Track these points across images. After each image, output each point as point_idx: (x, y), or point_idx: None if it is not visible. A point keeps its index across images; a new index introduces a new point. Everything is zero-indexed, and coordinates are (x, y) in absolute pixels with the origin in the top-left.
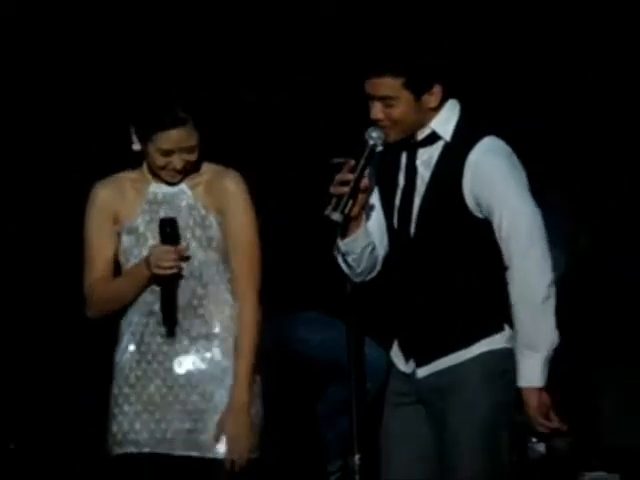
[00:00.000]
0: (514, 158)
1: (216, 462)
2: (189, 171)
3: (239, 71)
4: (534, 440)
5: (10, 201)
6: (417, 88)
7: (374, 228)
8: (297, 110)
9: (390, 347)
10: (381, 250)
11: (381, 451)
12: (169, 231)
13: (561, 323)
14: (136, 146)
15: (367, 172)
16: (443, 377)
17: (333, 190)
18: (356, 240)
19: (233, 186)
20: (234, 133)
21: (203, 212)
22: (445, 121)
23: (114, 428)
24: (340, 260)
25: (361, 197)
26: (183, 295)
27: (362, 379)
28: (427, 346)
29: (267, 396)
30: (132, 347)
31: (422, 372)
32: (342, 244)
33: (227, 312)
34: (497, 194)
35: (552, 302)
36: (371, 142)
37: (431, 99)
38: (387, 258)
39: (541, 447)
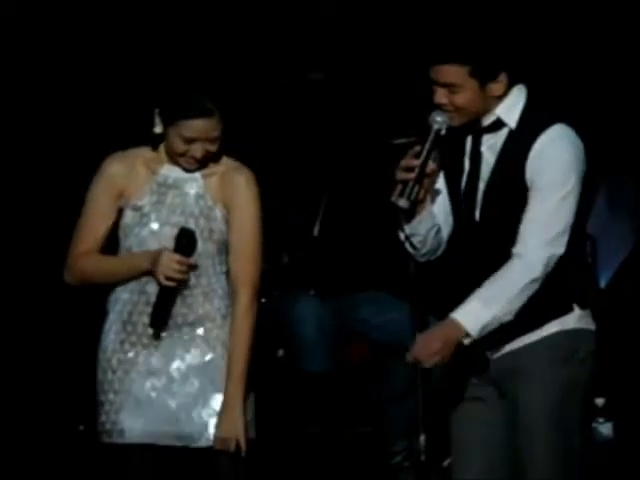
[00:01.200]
0: (579, 149)
1: (201, 451)
2: (207, 161)
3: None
4: (601, 420)
5: (10, 200)
6: (483, 76)
7: (439, 210)
8: (355, 92)
9: None
10: (446, 231)
11: (451, 431)
12: (185, 242)
13: (631, 300)
14: (158, 129)
15: (433, 156)
16: (513, 359)
17: (399, 176)
18: (421, 222)
19: (243, 182)
20: (296, 113)
21: (210, 203)
22: (510, 108)
23: (102, 417)
24: (405, 241)
25: (427, 182)
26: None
27: None
28: (496, 330)
29: (332, 375)
30: (117, 326)
31: (494, 355)
32: (407, 227)
33: (215, 304)
34: (544, 182)
35: (524, 297)
36: (436, 126)
37: (497, 87)
38: (452, 240)
39: (608, 427)
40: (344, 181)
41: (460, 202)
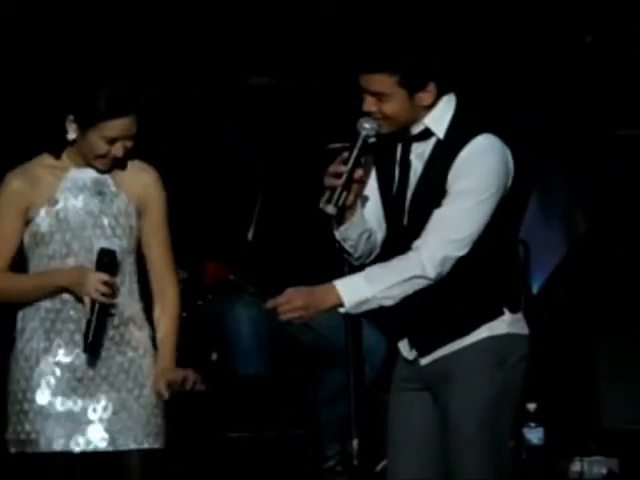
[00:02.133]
0: (504, 159)
1: (128, 454)
2: (124, 160)
3: (240, 56)
4: (532, 425)
5: None
6: (411, 86)
7: (371, 215)
8: (295, 97)
9: (390, 334)
10: (379, 235)
11: (386, 435)
12: (107, 261)
13: (563, 305)
14: (72, 135)
15: (362, 162)
16: (445, 363)
17: (327, 182)
18: (351, 227)
19: (153, 180)
20: (238, 119)
21: (126, 200)
22: (438, 118)
23: (26, 426)
24: (338, 245)
25: (355, 187)
26: None
27: (360, 363)
28: (427, 335)
29: (266, 378)
30: (40, 333)
31: (424, 360)
32: (338, 232)
33: (137, 305)
34: (459, 186)
35: (408, 288)
36: (363, 132)
37: (425, 97)
38: (385, 244)
39: (539, 432)
40: (278, 185)
41: (391, 208)
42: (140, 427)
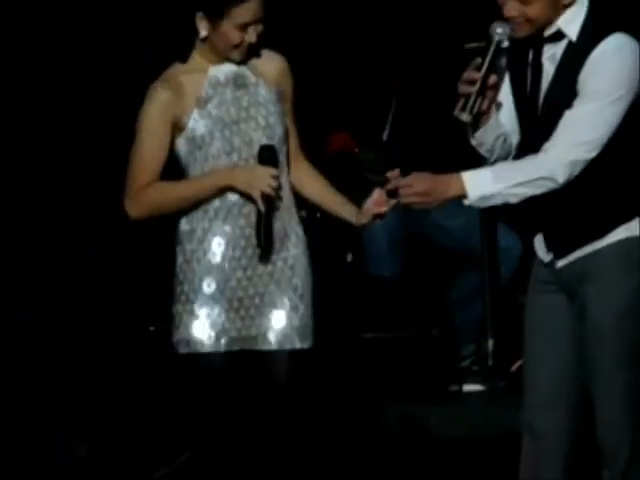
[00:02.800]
0: (636, 60)
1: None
2: (257, 47)
3: None
4: None
5: (10, 199)
6: None
7: (505, 118)
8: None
9: (527, 235)
10: (514, 139)
11: (523, 333)
12: (267, 157)
13: None
14: (203, 32)
15: (496, 67)
16: (582, 265)
17: (461, 89)
18: (486, 132)
19: (286, 66)
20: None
21: (267, 88)
22: (571, 19)
23: (199, 324)
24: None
25: (490, 94)
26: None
27: (495, 265)
28: (564, 237)
29: (400, 280)
30: (213, 233)
31: (561, 262)
32: (474, 138)
33: (291, 198)
34: (589, 88)
35: (535, 189)
36: (497, 38)
37: None
38: (519, 147)
39: None
40: (414, 86)
41: (524, 111)
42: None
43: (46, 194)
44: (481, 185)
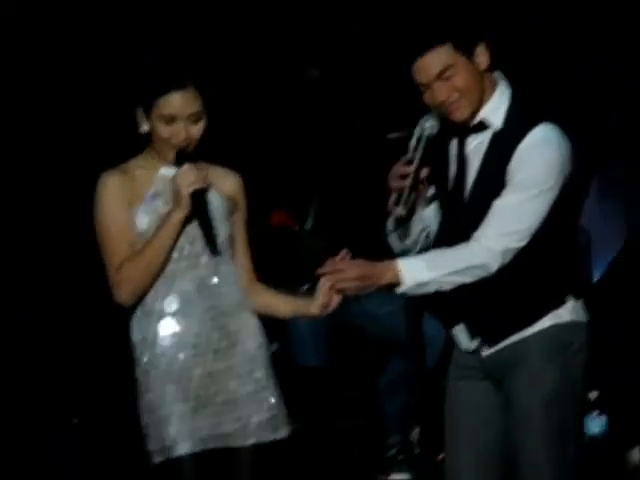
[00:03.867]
0: (563, 150)
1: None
2: (193, 155)
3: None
4: (594, 413)
5: (10, 200)
6: (466, 46)
7: (429, 213)
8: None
9: (449, 325)
10: (434, 230)
11: (445, 420)
12: (181, 159)
13: (625, 292)
14: (144, 127)
15: (427, 160)
16: (509, 352)
17: (393, 184)
18: (414, 224)
19: (241, 185)
20: (291, 109)
21: (217, 194)
22: (495, 109)
23: (170, 430)
24: (393, 240)
25: (421, 187)
26: (207, 272)
27: (422, 352)
28: (492, 326)
29: (326, 369)
30: (162, 337)
31: (487, 350)
32: (400, 229)
33: (240, 293)
34: (519, 178)
35: (468, 277)
36: (426, 132)
37: (482, 59)
38: (441, 239)
39: (601, 420)
40: (338, 176)
41: (448, 202)
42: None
43: (46, 194)
44: (416, 273)
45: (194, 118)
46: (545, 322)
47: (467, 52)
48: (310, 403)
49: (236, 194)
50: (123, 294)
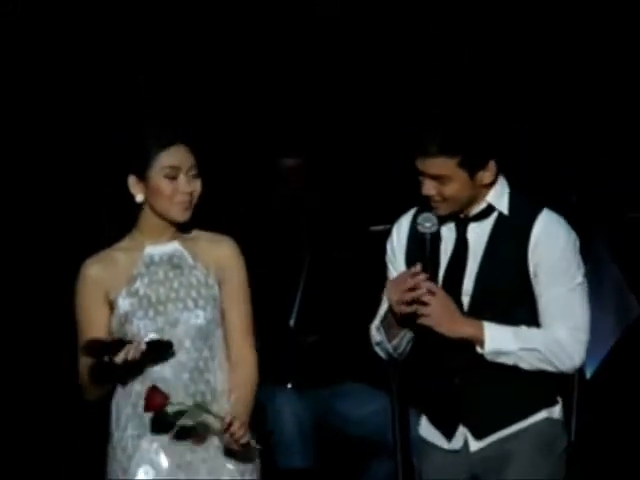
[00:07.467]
0: (572, 232)
1: None
2: (190, 224)
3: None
4: None
5: (10, 200)
6: (473, 167)
7: None
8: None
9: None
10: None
11: None
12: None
13: (617, 390)
14: (139, 197)
15: (435, 257)
16: (500, 445)
17: (402, 304)
18: (405, 337)
19: (231, 250)
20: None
21: (205, 271)
22: (499, 194)
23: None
24: (377, 341)
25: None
26: (189, 357)
27: (408, 453)
28: (486, 421)
29: (310, 471)
30: (135, 422)
31: (476, 445)
32: (393, 342)
33: (227, 379)
34: (555, 272)
35: (545, 364)
36: (428, 233)
37: (486, 175)
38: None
39: None
40: (321, 271)
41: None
42: None
43: (46, 194)
44: (501, 338)
45: (193, 172)
46: (538, 416)
47: (472, 170)
48: None
49: (227, 262)
50: (86, 395)
